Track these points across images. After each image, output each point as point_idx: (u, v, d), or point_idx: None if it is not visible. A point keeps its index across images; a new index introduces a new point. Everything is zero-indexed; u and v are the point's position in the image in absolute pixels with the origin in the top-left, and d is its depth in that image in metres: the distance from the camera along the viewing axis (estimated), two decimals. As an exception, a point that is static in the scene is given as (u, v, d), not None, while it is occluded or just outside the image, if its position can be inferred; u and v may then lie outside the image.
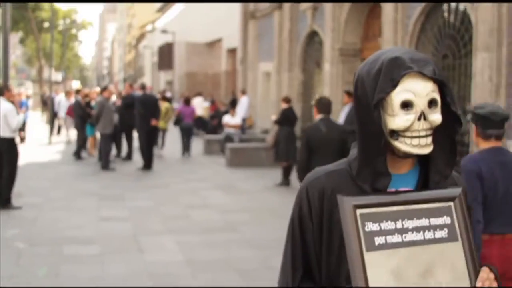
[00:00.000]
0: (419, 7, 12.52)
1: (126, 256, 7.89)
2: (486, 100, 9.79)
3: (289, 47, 20.07)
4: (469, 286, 1.89)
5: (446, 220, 1.94)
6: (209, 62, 40.94)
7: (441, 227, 1.93)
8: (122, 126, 17.51)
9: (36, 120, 35.47)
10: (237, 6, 26.39)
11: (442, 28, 12.16)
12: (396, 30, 13.29)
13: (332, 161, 2.17)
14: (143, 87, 18.23)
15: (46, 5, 43.71)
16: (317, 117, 8.07)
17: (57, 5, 49.82)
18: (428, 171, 2.01)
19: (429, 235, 1.90)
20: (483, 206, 4.23)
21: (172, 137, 22.07)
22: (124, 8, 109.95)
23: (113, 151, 17.42)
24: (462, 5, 11.30)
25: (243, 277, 7.06)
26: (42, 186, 13.36)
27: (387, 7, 13.50)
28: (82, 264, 7.50)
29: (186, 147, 19.86)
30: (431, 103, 1.89)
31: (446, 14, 12.08)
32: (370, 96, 1.90)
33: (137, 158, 17.49)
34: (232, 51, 31.80)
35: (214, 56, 39.60)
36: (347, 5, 15.96)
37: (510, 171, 4.25)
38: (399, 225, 1.88)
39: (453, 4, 11.71)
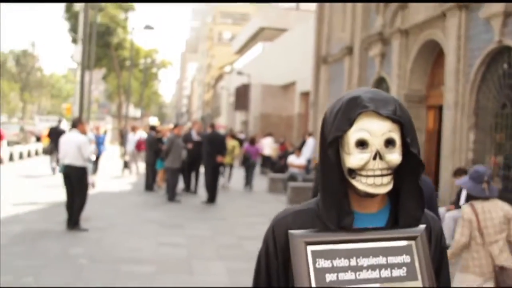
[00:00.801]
0: (480, 57, 12.80)
1: (177, 276, 8.55)
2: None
3: None
4: None
5: (405, 258, 1.92)
6: (283, 104, 41.64)
7: (399, 265, 1.90)
8: (191, 162, 18.42)
9: (113, 153, 36.71)
10: (311, 50, 27.03)
11: (502, 78, 12.40)
12: (458, 79, 13.59)
13: None
14: (212, 125, 19.00)
15: (128, 44, 45.41)
16: None
17: (139, 44, 51.60)
18: (397, 212, 2.00)
19: (385, 273, 1.88)
20: None
21: (239, 173, 22.91)
22: (204, 48, 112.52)
23: (181, 184, 18.29)
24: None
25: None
26: (109, 212, 14.19)
27: (450, 57, 13.83)
28: (135, 280, 8.20)
29: (248, 181, 21.60)
30: (388, 142, 1.89)
31: (505, 65, 12.33)
32: (328, 134, 1.94)
33: (203, 192, 18.19)
34: (305, 94, 32.39)
35: (288, 99, 40.30)
36: (413, 54, 16.34)
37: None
38: (353, 262, 1.87)
39: (513, 55, 11.97)
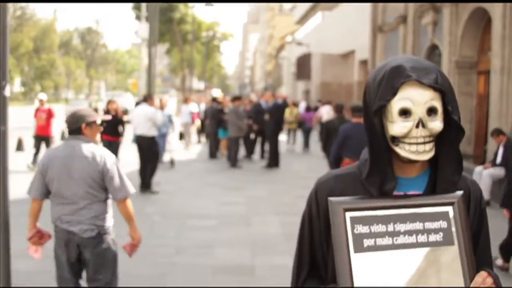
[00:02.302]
0: (524, 23, 13.36)
1: (236, 228, 9.89)
2: None
3: None
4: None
5: (442, 224, 1.96)
6: (343, 72, 42.10)
7: (436, 231, 1.95)
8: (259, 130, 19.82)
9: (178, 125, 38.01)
10: (368, 20, 27.62)
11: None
12: (504, 45, 14.14)
13: None
14: (273, 95, 20.30)
15: (190, 18, 46.49)
16: None
17: (201, 17, 52.58)
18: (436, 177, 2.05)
19: (422, 238, 1.93)
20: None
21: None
22: (265, 19, 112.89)
23: (242, 151, 19.56)
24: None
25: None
26: (176, 177, 15.57)
27: (496, 24, 14.40)
28: (200, 231, 9.58)
29: (305, 144, 24.59)
30: (431, 111, 1.93)
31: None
32: (372, 102, 1.98)
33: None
34: (363, 63, 32.91)
35: (348, 67, 40.76)
36: (463, 21, 16.88)
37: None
38: (390, 228, 1.92)
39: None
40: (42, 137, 16.33)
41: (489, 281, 1.90)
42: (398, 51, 22.42)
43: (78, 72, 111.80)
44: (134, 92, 48.27)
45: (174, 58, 59.36)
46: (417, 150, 1.93)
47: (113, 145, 13.52)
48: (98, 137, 4.97)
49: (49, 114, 16.34)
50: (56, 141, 16.68)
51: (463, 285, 1.91)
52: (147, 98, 14.20)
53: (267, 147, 19.42)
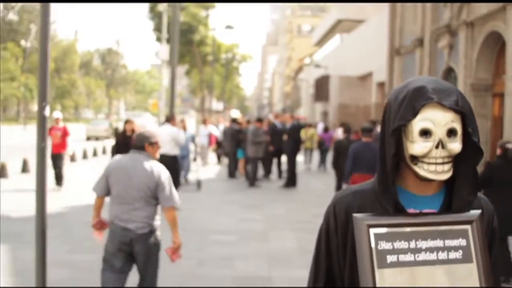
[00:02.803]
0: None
1: (255, 243, 10.34)
2: None
3: None
4: None
5: (461, 242, 1.99)
6: (361, 94, 42.46)
7: (455, 248, 1.98)
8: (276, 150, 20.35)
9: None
10: (386, 41, 28.01)
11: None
12: (519, 68, 14.47)
13: None
14: (291, 117, 20.84)
15: (210, 40, 47.13)
16: None
17: (220, 40, 53.22)
18: (452, 197, 2.08)
19: (442, 255, 1.97)
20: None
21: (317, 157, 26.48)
22: (284, 41, 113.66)
23: (261, 171, 19.99)
24: None
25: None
26: (197, 195, 16.06)
27: (509, 48, 14.72)
28: (220, 246, 10.02)
29: (322, 162, 25.69)
30: (450, 132, 1.97)
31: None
32: (392, 122, 2.01)
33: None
34: (381, 85, 33.25)
35: (365, 89, 41.13)
36: (478, 45, 17.21)
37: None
38: (412, 245, 1.96)
39: None
40: (56, 155, 16.13)
41: None
42: (415, 74, 22.75)
43: (98, 92, 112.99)
44: (154, 112, 48.87)
45: (193, 79, 60.01)
46: (435, 170, 1.98)
47: None
48: (157, 154, 5.90)
49: (64, 132, 16.20)
50: (68, 158, 17.07)
51: None
52: (170, 119, 14.91)
53: (284, 166, 19.87)
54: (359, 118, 41.04)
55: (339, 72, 45.39)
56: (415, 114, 1.97)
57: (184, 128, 17.64)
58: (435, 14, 21.17)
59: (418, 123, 1.97)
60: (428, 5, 21.53)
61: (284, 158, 19.95)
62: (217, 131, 25.23)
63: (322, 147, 25.65)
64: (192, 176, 18.63)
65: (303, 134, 22.92)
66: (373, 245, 1.95)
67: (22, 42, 75.36)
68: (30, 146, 19.49)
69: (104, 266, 5.80)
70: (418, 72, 22.46)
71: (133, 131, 13.72)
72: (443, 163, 1.98)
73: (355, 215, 2.00)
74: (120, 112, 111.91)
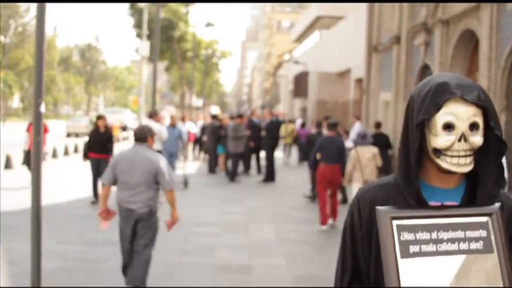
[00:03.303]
0: (509, 45, 14.09)
1: (235, 234, 10.84)
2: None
3: (405, 79, 21.85)
4: None
5: (482, 233, 2.05)
6: (339, 91, 42.77)
7: (476, 239, 2.04)
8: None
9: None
10: (363, 39, 28.42)
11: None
12: (490, 66, 14.89)
13: None
14: (270, 113, 21.18)
15: (190, 36, 47.35)
16: None
17: (200, 36, 53.43)
18: (475, 189, 2.13)
19: (463, 246, 2.02)
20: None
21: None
22: (264, 37, 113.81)
23: (241, 167, 20.36)
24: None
25: (315, 249, 9.87)
26: (179, 191, 16.16)
27: (483, 45, 15.16)
28: (202, 237, 10.53)
29: (301, 159, 25.76)
30: (473, 126, 2.02)
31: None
32: (416, 116, 2.08)
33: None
34: (359, 81, 33.59)
35: (344, 85, 41.46)
36: (453, 42, 17.66)
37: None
38: (434, 236, 2.02)
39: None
40: None
41: None
42: (392, 70, 23.17)
43: (77, 88, 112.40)
44: (134, 108, 48.98)
45: (173, 75, 60.15)
46: (458, 163, 2.04)
47: (101, 163, 12.97)
48: (154, 145, 6.71)
49: (44, 129, 15.07)
50: (48, 157, 16.51)
51: None
52: (153, 115, 15.37)
53: (262, 162, 20.26)
54: (337, 114, 41.32)
55: (318, 69, 45.72)
56: (438, 108, 2.03)
57: (173, 125, 17.51)
58: (412, 12, 21.58)
59: (441, 117, 2.04)
60: (405, 3, 21.95)
61: (262, 154, 20.33)
62: (195, 128, 25.46)
63: (298, 142, 26.26)
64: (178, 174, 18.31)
65: (283, 130, 23.34)
66: (396, 236, 2.00)
67: (1, 38, 74.95)
68: (10, 142, 19.73)
69: (121, 238, 6.96)
70: (395, 69, 22.86)
71: (106, 127, 13.52)
72: (465, 156, 2.04)
73: (378, 208, 2.06)
74: (100, 108, 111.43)
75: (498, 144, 2.09)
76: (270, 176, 18.97)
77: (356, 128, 24.38)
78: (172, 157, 16.88)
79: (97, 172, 13.10)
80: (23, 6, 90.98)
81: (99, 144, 13.27)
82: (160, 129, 14.51)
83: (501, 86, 14.60)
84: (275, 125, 20.08)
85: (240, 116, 19.82)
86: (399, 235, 2.00)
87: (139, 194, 6.77)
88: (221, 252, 9.42)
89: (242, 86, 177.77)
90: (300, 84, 50.21)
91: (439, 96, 2.03)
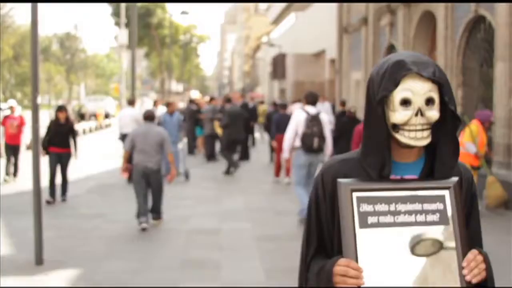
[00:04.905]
0: (462, 25, 15.12)
1: (209, 205, 12.27)
2: (503, 100, 12.57)
3: (373, 59, 22.76)
4: (457, 264, 2.06)
5: (438, 206, 2.10)
6: (315, 71, 43.59)
7: (433, 212, 2.09)
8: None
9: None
10: (334, 21, 29.34)
11: (480, 42, 14.73)
12: (446, 44, 15.93)
13: None
14: (242, 95, 22.54)
15: (167, 22, 48.10)
16: None
17: (178, 21, 54.08)
18: (433, 162, 2.19)
19: (420, 218, 2.08)
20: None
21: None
22: (242, 20, 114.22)
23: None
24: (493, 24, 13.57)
25: (277, 214, 10.91)
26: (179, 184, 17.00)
27: (440, 25, 16.17)
28: (179, 208, 11.78)
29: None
30: (429, 101, 2.08)
31: (482, 32, 14.61)
32: (376, 93, 2.13)
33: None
34: (333, 61, 34.52)
35: (319, 66, 42.34)
36: (414, 22, 18.67)
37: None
38: (392, 208, 2.08)
39: (487, 22, 14.08)
40: (13, 146, 15.11)
41: (480, 258, 2.07)
42: (361, 51, 24.14)
43: (58, 78, 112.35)
44: (116, 96, 49.70)
45: (152, 61, 60.79)
46: (415, 137, 2.09)
47: (63, 158, 12.37)
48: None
49: (21, 122, 15.19)
50: (23, 151, 15.96)
51: (455, 260, 2.06)
52: (131, 102, 16.35)
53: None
54: (314, 94, 42.29)
55: (294, 50, 46.54)
56: (396, 84, 2.09)
57: (171, 112, 16.31)
58: (377, -6, 22.48)
59: (399, 93, 2.09)
60: (371, -15, 22.86)
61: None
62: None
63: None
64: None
65: (260, 110, 24.60)
66: (355, 207, 2.06)
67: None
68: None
69: (135, 186, 9.96)
70: (363, 49, 23.78)
71: (67, 119, 12.54)
72: (422, 130, 2.09)
73: (339, 180, 2.13)
74: (81, 97, 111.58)
75: (453, 119, 2.15)
76: (244, 154, 20.19)
77: (325, 107, 25.56)
78: (172, 147, 16.19)
79: (55, 168, 12.24)
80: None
81: (60, 137, 12.30)
82: (138, 114, 15.07)
83: (457, 63, 15.58)
84: (246, 108, 21.42)
85: (213, 98, 21.22)
86: (358, 206, 2.07)
87: (152, 157, 9.82)
88: (195, 220, 10.80)
89: (223, 69, 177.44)
90: (278, 66, 50.97)
91: (396, 73, 2.09)
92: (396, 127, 2.11)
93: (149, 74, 72.50)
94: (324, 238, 2.24)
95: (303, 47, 44.90)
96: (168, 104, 16.88)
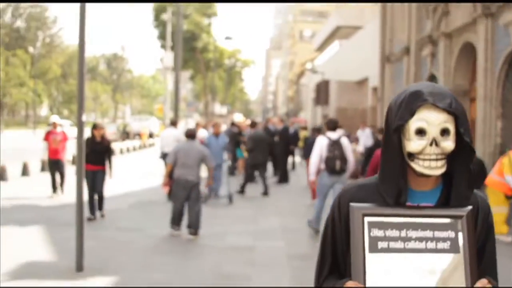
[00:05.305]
0: (502, 57, 15.31)
1: (245, 224, 12.62)
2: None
3: None
4: None
5: (450, 234, 2.12)
6: (358, 98, 43.75)
7: (444, 239, 2.11)
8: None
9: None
10: (377, 50, 29.62)
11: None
12: (486, 76, 16.09)
13: None
14: (282, 120, 23.01)
15: (212, 46, 48.92)
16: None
17: (223, 46, 54.88)
18: (449, 191, 2.21)
19: (431, 245, 2.10)
20: None
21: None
22: (287, 46, 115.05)
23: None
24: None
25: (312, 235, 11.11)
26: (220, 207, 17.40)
27: (480, 57, 16.37)
28: (216, 226, 12.11)
29: None
30: (444, 132, 2.12)
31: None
32: (392, 122, 2.19)
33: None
34: (375, 89, 34.75)
35: (362, 93, 42.52)
36: (455, 54, 18.88)
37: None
38: (403, 234, 2.10)
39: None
40: (55, 161, 15.37)
41: (489, 286, 2.07)
42: (403, 80, 24.35)
43: (104, 97, 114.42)
44: (160, 116, 50.54)
45: (197, 84, 61.61)
46: (429, 166, 2.12)
47: (98, 176, 12.33)
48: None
49: (64, 138, 15.50)
50: (68, 166, 16.01)
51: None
52: (174, 122, 16.97)
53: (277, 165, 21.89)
54: (356, 120, 42.40)
55: (338, 77, 46.85)
56: (412, 114, 2.13)
57: (217, 133, 16.12)
58: (419, 24, 22.77)
59: (414, 123, 2.13)
60: (413, 16, 23.13)
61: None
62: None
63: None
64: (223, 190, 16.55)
65: (301, 135, 24.94)
66: (366, 231, 2.09)
67: (30, 49, 77.27)
68: (38, 148, 21.15)
69: (173, 198, 10.88)
70: (405, 78, 23.99)
71: (102, 137, 12.45)
72: (436, 159, 2.12)
73: (352, 204, 2.16)
74: (126, 116, 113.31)
75: (468, 150, 2.17)
76: (284, 177, 20.50)
77: (366, 133, 25.81)
78: (217, 169, 15.38)
79: (93, 185, 12.31)
80: (50, 17, 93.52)
81: (95, 155, 12.24)
82: (179, 134, 15.70)
83: (496, 94, 15.73)
84: (286, 131, 21.71)
85: (254, 123, 21.57)
86: (369, 231, 2.10)
87: (193, 171, 10.72)
88: (231, 237, 11.15)
89: (267, 94, 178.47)
90: (321, 92, 51.23)
91: (412, 103, 2.13)
92: (412, 155, 2.15)
93: (193, 96, 73.33)
94: (338, 259, 2.30)
95: (346, 74, 45.21)
96: (214, 126, 16.68)
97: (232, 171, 22.61)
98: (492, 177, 11.23)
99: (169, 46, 35.44)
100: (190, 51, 46.67)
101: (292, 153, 23.92)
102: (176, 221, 10.85)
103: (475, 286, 2.05)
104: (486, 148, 15.77)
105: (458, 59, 18.98)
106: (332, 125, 11.34)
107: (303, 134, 25.43)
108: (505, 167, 10.96)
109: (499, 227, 11.12)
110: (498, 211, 11.10)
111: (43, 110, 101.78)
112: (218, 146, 15.70)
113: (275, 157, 22.48)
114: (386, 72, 27.88)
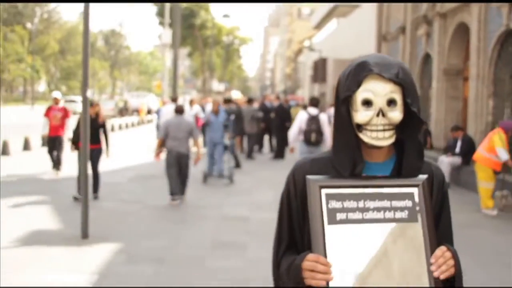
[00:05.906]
0: (494, 38, 15.62)
1: (242, 196, 13.02)
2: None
3: (410, 67, 22.93)
4: (425, 261, 2.07)
5: (407, 203, 2.12)
6: (354, 77, 44.02)
7: (401, 209, 2.11)
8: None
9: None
10: (374, 28, 29.79)
11: (511, 55, 15.24)
12: (479, 56, 16.39)
13: None
14: (277, 97, 23.36)
15: (210, 23, 49.00)
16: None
17: (221, 22, 54.91)
18: (401, 162, 2.21)
19: (389, 215, 2.09)
20: None
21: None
22: (285, 23, 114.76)
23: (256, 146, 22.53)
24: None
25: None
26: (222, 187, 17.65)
27: (473, 37, 16.67)
28: (214, 198, 12.56)
29: None
30: (390, 102, 2.11)
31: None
32: (341, 94, 2.17)
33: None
34: (372, 68, 34.95)
35: (358, 72, 42.71)
36: (449, 34, 19.13)
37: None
38: (361, 204, 2.09)
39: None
40: (55, 138, 15.01)
41: (448, 254, 2.08)
42: (399, 59, 24.48)
43: (102, 73, 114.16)
44: (158, 92, 50.77)
45: (195, 61, 61.62)
46: (377, 136, 2.11)
47: (93, 154, 11.60)
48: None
49: (65, 114, 15.13)
50: (67, 144, 14.84)
51: (424, 256, 2.07)
52: (175, 99, 17.76)
53: (274, 141, 22.36)
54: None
55: (335, 55, 47.01)
56: (358, 85, 2.11)
57: (216, 111, 15.58)
58: (415, 4, 22.87)
59: (360, 94, 2.11)
60: (409, -5, 23.33)
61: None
62: (203, 113, 24.64)
63: None
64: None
65: (293, 112, 25.23)
66: (324, 203, 2.07)
67: (28, 25, 77.22)
68: (37, 124, 21.40)
69: (168, 169, 11.70)
70: (401, 57, 24.06)
71: (97, 114, 12.10)
72: (383, 130, 2.11)
73: (308, 176, 2.13)
74: (124, 92, 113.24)
75: (417, 121, 2.16)
76: (279, 153, 21.06)
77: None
78: (217, 147, 15.33)
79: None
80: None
81: (90, 133, 10.97)
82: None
83: (488, 74, 16.00)
84: (281, 108, 22.11)
85: (251, 100, 22.07)
86: (327, 203, 2.07)
87: (183, 143, 11.67)
88: (227, 208, 11.73)
89: (265, 71, 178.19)
90: (319, 70, 51.42)
91: (358, 74, 2.11)
92: (360, 127, 2.14)
93: (191, 73, 73.46)
94: (295, 235, 2.27)
95: (344, 52, 45.35)
96: (213, 104, 16.07)
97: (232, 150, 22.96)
98: (480, 153, 11.63)
99: (167, 23, 35.53)
100: (189, 28, 46.74)
101: (286, 130, 24.22)
102: (173, 189, 11.71)
103: (434, 254, 2.07)
104: (478, 126, 16.08)
105: (452, 39, 19.21)
106: (314, 102, 13.01)
107: (295, 111, 25.78)
108: (496, 142, 11.34)
109: (486, 201, 11.55)
110: (486, 186, 11.54)
111: (41, 86, 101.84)
112: (218, 124, 15.28)
113: (271, 133, 22.93)
114: (382, 51, 27.93)
